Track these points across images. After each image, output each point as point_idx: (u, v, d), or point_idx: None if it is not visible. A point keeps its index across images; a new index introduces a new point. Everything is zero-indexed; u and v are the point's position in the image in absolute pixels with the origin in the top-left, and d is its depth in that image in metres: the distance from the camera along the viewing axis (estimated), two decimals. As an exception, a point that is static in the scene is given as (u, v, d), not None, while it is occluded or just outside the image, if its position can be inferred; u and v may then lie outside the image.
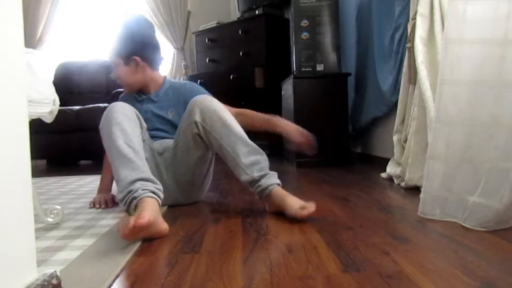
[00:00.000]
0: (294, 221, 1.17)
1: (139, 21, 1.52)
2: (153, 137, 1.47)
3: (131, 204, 1.06)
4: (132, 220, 0.92)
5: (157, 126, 1.49)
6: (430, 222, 1.11)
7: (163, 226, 1.02)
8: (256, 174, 1.21)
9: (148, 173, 1.12)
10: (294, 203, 1.16)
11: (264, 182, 1.21)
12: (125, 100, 1.53)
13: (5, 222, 0.52)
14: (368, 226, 1.08)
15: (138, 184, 1.07)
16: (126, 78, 1.48)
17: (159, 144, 1.45)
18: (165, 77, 1.57)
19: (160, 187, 1.12)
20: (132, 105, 1.44)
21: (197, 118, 1.26)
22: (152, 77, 1.51)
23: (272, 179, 1.22)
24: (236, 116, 1.37)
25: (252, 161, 1.22)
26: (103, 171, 1.57)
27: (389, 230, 1.03)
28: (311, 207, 1.13)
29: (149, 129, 1.46)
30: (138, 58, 1.45)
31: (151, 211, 0.98)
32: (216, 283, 0.72)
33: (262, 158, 1.24)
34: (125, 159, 1.12)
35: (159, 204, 1.07)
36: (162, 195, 1.10)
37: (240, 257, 0.85)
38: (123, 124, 1.19)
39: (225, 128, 1.24)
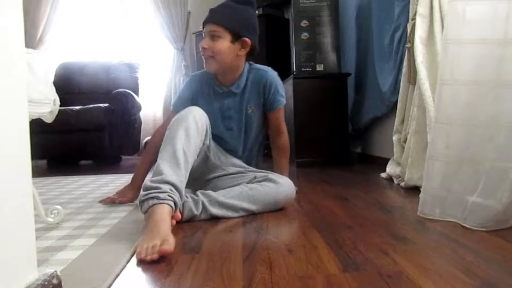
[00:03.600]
0: (294, 221, 1.18)
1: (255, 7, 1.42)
2: (223, 145, 1.43)
3: (149, 201, 1.02)
4: (157, 246, 0.86)
5: (237, 123, 1.42)
6: (430, 222, 1.11)
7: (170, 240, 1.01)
8: (205, 199, 1.20)
9: (183, 186, 1.11)
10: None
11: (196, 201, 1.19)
12: (196, 86, 1.45)
13: (5, 222, 0.52)
14: (368, 226, 1.08)
15: (168, 188, 1.06)
16: (224, 55, 1.33)
17: (228, 155, 1.42)
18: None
19: (182, 202, 1.12)
20: (211, 99, 1.42)
21: None
22: (240, 65, 1.41)
23: (197, 210, 1.17)
24: (280, 135, 1.49)
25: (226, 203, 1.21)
26: (142, 159, 1.51)
27: (389, 230, 1.03)
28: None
29: (229, 128, 1.42)
30: (249, 41, 1.34)
31: (168, 227, 0.96)
32: (216, 283, 0.72)
33: (230, 213, 1.21)
34: (174, 161, 1.12)
35: (172, 213, 1.05)
36: (180, 207, 1.10)
37: (240, 257, 0.86)
38: (190, 132, 1.18)
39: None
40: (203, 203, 1.19)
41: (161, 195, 1.03)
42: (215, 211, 1.19)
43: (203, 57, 1.37)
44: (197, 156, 1.30)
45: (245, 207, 1.23)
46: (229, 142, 1.44)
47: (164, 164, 1.11)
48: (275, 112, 1.47)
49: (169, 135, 1.18)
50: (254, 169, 1.44)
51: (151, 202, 1.02)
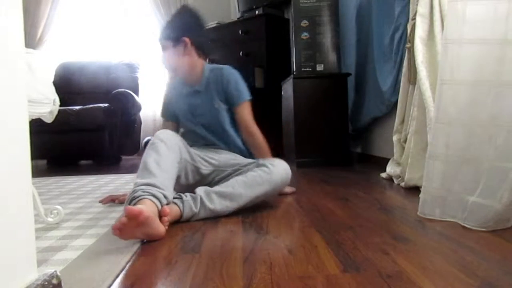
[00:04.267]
0: (294, 221, 1.18)
1: (190, 8, 1.56)
2: (204, 138, 1.50)
3: (130, 204, 1.06)
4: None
5: (209, 119, 1.50)
6: (430, 222, 1.11)
7: (160, 228, 1.01)
8: (203, 194, 1.21)
9: (160, 183, 1.12)
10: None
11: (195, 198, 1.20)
12: (172, 91, 1.61)
13: (5, 222, 0.52)
14: (368, 226, 1.08)
15: (143, 187, 1.09)
16: (173, 60, 1.47)
17: (217, 156, 1.46)
18: (203, 63, 1.54)
19: (167, 193, 1.11)
20: (182, 99, 1.55)
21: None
22: (197, 64, 1.50)
23: (196, 207, 1.19)
24: (248, 134, 1.49)
25: (223, 192, 1.23)
26: None
27: (389, 230, 1.03)
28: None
29: (203, 124, 1.51)
30: (187, 39, 1.45)
31: (146, 208, 0.98)
32: (216, 283, 0.72)
33: (228, 202, 1.23)
34: (146, 171, 1.15)
35: (157, 208, 1.06)
36: (165, 201, 1.10)
37: (240, 257, 0.86)
38: (159, 149, 1.22)
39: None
40: (201, 198, 1.20)
41: (136, 194, 1.07)
42: (213, 205, 1.20)
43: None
44: (184, 172, 1.37)
45: (242, 193, 1.24)
46: (206, 137, 1.51)
47: (137, 178, 1.15)
48: (238, 108, 1.50)
49: (141, 161, 1.22)
50: (252, 160, 1.46)
51: (131, 204, 1.06)
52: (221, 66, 1.55)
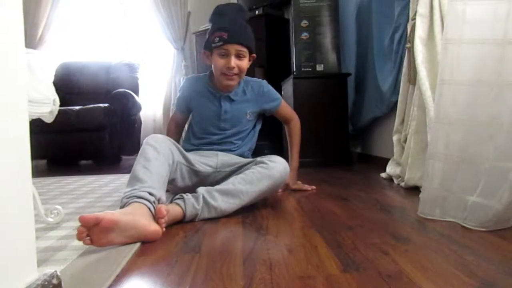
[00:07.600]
0: (294, 221, 1.18)
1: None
2: (224, 142, 1.53)
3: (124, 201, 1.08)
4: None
5: (234, 124, 1.54)
6: (430, 222, 1.11)
7: (151, 228, 0.99)
8: (205, 192, 1.21)
9: (148, 185, 1.11)
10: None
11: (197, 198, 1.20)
12: (192, 87, 1.59)
13: (6, 222, 0.52)
14: (368, 226, 1.08)
15: (128, 193, 1.09)
16: (245, 72, 1.51)
17: (215, 158, 1.47)
18: None
19: (154, 191, 1.10)
20: (207, 100, 1.55)
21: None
22: None
23: (199, 205, 1.18)
24: (288, 123, 1.67)
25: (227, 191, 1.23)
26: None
27: (389, 230, 1.03)
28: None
29: (224, 129, 1.53)
30: (254, 55, 1.52)
31: (109, 215, 0.92)
32: (216, 283, 0.72)
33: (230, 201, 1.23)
34: (134, 179, 1.14)
35: (148, 209, 1.05)
36: (152, 198, 1.08)
37: (240, 257, 0.86)
38: (148, 155, 1.22)
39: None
40: (203, 196, 1.20)
41: (121, 204, 1.07)
42: (216, 203, 1.20)
43: (225, 74, 1.47)
44: (180, 174, 1.37)
45: (243, 189, 1.24)
46: (220, 139, 1.53)
47: (126, 187, 1.14)
48: (279, 110, 1.65)
49: (132, 171, 1.20)
50: (251, 159, 1.46)
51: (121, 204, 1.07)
52: (257, 80, 1.62)
